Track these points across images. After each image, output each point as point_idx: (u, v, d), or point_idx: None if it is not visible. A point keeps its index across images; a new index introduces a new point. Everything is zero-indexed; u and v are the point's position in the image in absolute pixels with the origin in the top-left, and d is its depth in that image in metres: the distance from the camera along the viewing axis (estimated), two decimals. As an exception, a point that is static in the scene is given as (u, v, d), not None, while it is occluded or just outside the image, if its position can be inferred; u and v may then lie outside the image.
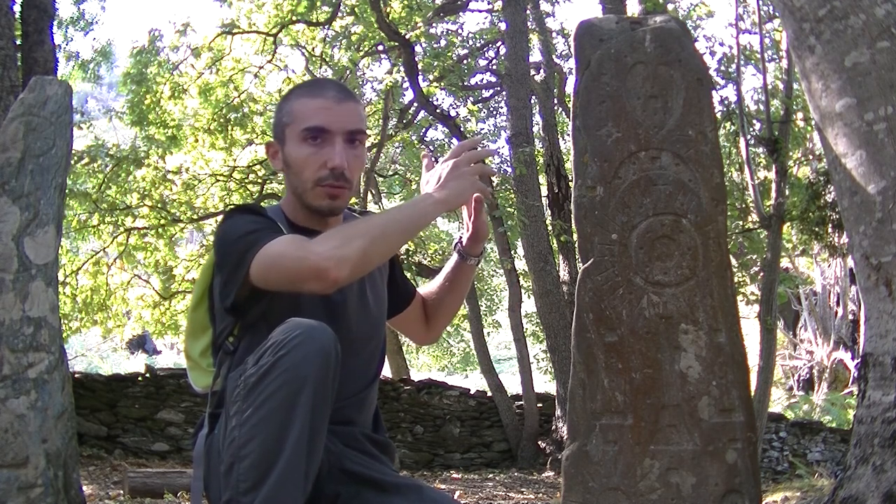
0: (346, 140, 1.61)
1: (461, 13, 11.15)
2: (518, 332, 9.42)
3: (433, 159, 1.72)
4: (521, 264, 10.47)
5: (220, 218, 10.13)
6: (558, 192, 9.17)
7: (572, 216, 2.21)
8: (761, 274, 7.96)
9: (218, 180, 10.36)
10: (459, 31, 11.52)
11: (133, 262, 10.52)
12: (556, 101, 10.18)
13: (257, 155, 10.83)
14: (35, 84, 2.49)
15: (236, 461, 1.33)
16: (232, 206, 1.79)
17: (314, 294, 1.48)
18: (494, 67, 11.44)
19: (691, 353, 2.04)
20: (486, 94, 12.23)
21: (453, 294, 1.85)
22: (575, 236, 2.52)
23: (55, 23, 6.59)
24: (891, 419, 2.09)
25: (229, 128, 10.23)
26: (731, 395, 2.02)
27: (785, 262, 11.87)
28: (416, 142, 11.30)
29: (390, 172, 12.90)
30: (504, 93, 10.18)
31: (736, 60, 7.76)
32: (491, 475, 8.11)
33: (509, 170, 10.37)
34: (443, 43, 10.83)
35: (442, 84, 10.43)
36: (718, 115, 7.79)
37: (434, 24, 10.54)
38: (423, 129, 12.01)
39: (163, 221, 9.94)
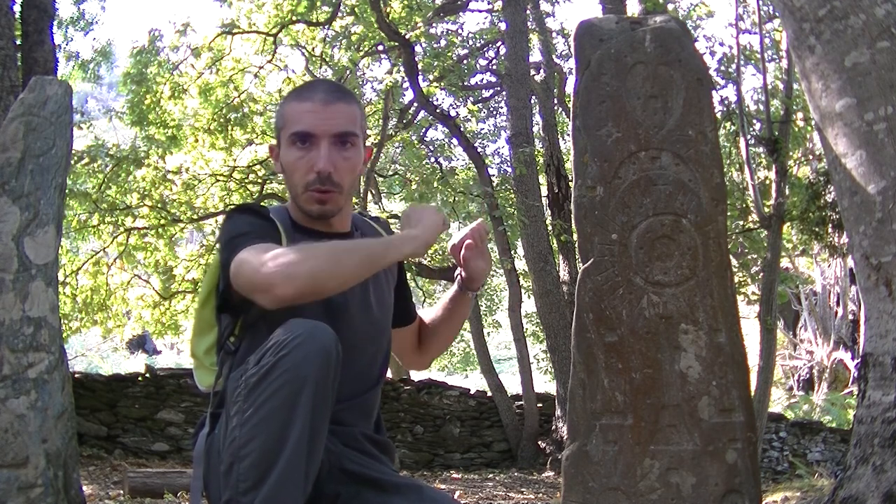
0: (335, 143, 1.60)
1: (461, 13, 11.15)
2: (518, 332, 9.42)
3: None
4: (521, 264, 10.47)
5: (220, 218, 10.17)
6: (558, 192, 9.17)
7: (572, 216, 2.21)
8: (761, 274, 7.96)
9: (218, 180, 10.36)
10: (459, 31, 11.52)
11: (133, 262, 10.52)
12: (556, 101, 10.18)
13: (257, 155, 10.83)
14: (35, 84, 2.49)
15: (236, 461, 1.33)
16: (233, 206, 1.78)
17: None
18: (494, 67, 11.44)
19: (691, 353, 2.04)
20: (486, 94, 12.23)
21: (449, 323, 1.85)
22: (575, 236, 2.52)
23: (55, 23, 6.59)
24: (891, 419, 2.09)
25: (229, 128, 10.23)
26: (731, 395, 2.02)
27: (785, 262, 11.87)
28: (416, 142, 11.30)
29: (390, 172, 12.90)
30: (504, 93, 10.18)
31: (736, 60, 7.76)
32: (491, 475, 8.11)
33: (509, 170, 10.38)
34: (443, 43, 10.83)
35: (442, 84, 10.43)
36: (718, 115, 7.79)
37: (434, 24, 10.54)
38: (423, 129, 12.00)
39: (163, 221, 9.94)
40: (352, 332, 1.58)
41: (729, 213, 3.51)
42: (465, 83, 11.25)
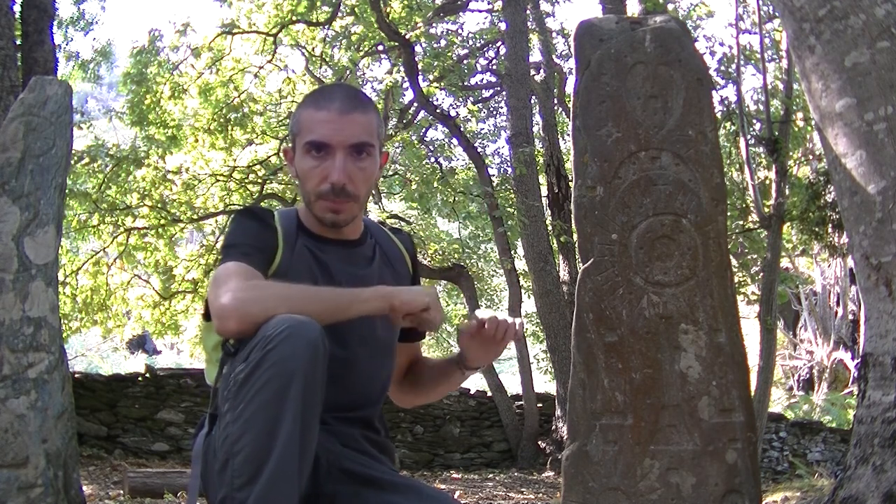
0: (350, 153, 1.59)
1: (461, 13, 11.15)
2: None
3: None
4: (521, 264, 10.46)
5: (220, 218, 10.18)
6: (558, 192, 9.17)
7: (572, 216, 2.21)
8: (761, 274, 7.95)
9: (218, 180, 10.35)
10: (459, 31, 11.51)
11: (133, 262, 10.51)
12: (556, 101, 10.18)
13: (257, 155, 10.82)
14: (35, 84, 2.49)
15: (230, 457, 1.33)
16: (240, 209, 1.78)
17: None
18: (494, 67, 11.44)
19: (691, 353, 2.04)
20: (486, 94, 12.22)
21: (435, 388, 1.80)
22: (575, 236, 2.52)
23: (55, 23, 6.59)
24: (891, 419, 2.09)
25: (229, 128, 10.22)
26: (731, 395, 2.02)
27: (785, 262, 11.87)
28: (416, 142, 11.30)
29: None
30: (504, 93, 10.18)
31: (736, 60, 7.76)
32: (491, 475, 8.11)
33: (509, 170, 10.37)
34: (443, 43, 10.83)
35: (442, 84, 10.43)
36: (718, 115, 7.78)
37: (434, 24, 10.54)
38: (423, 129, 12.00)
39: (163, 221, 9.93)
40: (351, 340, 1.57)
41: (729, 213, 3.51)
42: (465, 83, 11.25)
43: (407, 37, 9.28)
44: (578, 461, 2.05)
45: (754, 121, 8.38)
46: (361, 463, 1.56)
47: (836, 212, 6.06)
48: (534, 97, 9.49)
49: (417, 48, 9.83)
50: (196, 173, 10.19)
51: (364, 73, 11.46)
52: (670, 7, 9.41)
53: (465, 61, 10.99)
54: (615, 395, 2.04)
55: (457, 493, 6.05)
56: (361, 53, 10.32)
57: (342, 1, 9.86)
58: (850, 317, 13.07)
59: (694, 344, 2.04)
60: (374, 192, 12.00)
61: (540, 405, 9.15)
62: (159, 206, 9.90)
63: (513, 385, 10.73)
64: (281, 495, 1.30)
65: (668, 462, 2.01)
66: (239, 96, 10.37)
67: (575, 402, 2.07)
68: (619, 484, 2.02)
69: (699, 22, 10.43)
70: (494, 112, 12.51)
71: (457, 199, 10.53)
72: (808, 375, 13.66)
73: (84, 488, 2.76)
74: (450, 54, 10.53)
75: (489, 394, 9.25)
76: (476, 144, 10.81)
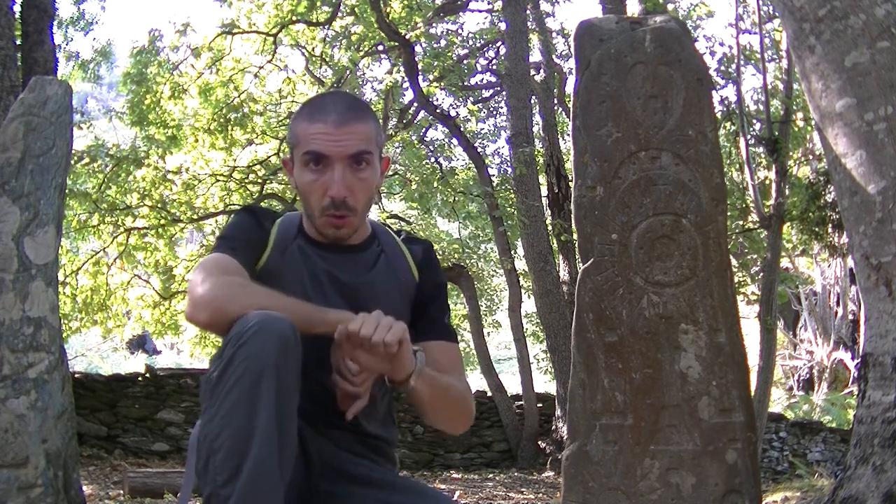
0: (349, 164, 1.57)
1: (461, 13, 11.15)
2: (518, 332, 9.42)
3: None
4: (521, 264, 10.46)
5: (220, 218, 10.17)
6: (558, 192, 9.17)
7: (572, 216, 2.21)
8: (761, 274, 7.96)
9: (218, 180, 10.35)
10: (459, 31, 11.51)
11: (133, 262, 10.52)
12: (556, 101, 10.17)
13: (257, 155, 10.83)
14: (35, 84, 2.49)
15: (211, 455, 1.34)
16: (242, 206, 1.79)
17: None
18: (494, 67, 11.44)
19: (691, 353, 2.04)
20: (486, 94, 12.22)
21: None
22: (575, 236, 2.52)
23: (55, 23, 6.59)
24: (891, 419, 2.08)
25: (229, 128, 10.22)
26: (731, 395, 2.02)
27: (785, 262, 11.87)
28: (416, 142, 11.30)
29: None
30: (504, 93, 10.18)
31: (736, 60, 7.76)
32: (491, 475, 8.11)
33: (509, 170, 10.37)
34: (443, 43, 10.83)
35: (442, 84, 10.43)
36: (718, 115, 7.78)
37: (434, 24, 10.54)
38: (423, 129, 12.00)
39: (163, 221, 9.93)
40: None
41: (729, 213, 3.51)
42: (465, 83, 11.25)
43: (407, 37, 9.28)
44: (578, 461, 2.05)
45: (754, 121, 8.38)
46: (357, 463, 1.57)
47: (836, 212, 6.06)
48: (534, 97, 9.49)
49: (417, 48, 9.83)
50: (196, 173, 10.19)
51: (364, 73, 11.46)
52: (670, 7, 9.41)
53: (465, 61, 10.99)
54: (615, 395, 2.04)
55: (457, 493, 6.04)
56: (361, 53, 10.32)
57: (342, 1, 9.86)
58: (850, 317, 13.07)
59: (694, 344, 2.04)
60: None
61: (540, 405, 9.15)
62: (159, 206, 9.90)
63: (513, 385, 10.73)
64: (263, 488, 1.30)
65: (668, 462, 2.01)
66: (239, 96, 10.37)
67: (575, 402, 2.07)
68: (619, 484, 2.02)
69: (699, 22, 10.43)
70: (494, 112, 12.51)
71: (457, 199, 10.53)
72: (808, 375, 13.66)
73: (84, 488, 2.76)
74: (450, 54, 10.53)
75: (489, 394, 9.25)
76: (476, 144, 10.80)
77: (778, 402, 12.42)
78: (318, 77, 10.98)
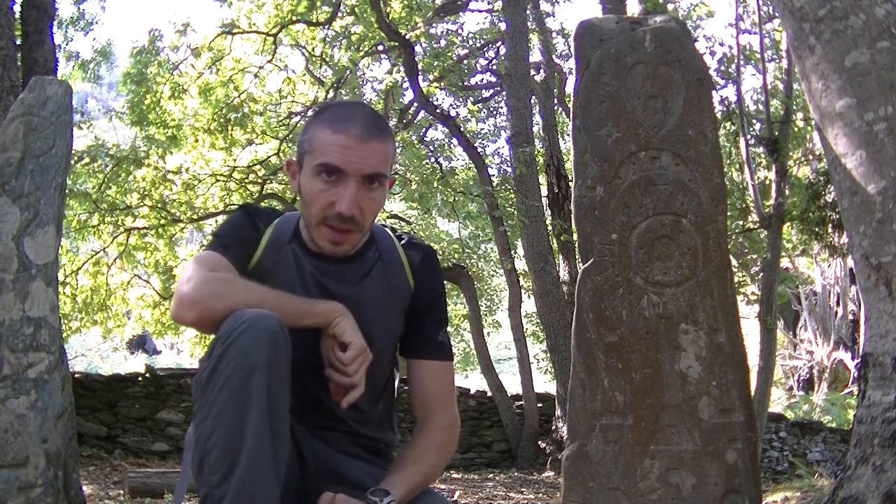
0: (363, 182, 1.53)
1: (461, 13, 11.15)
2: (518, 332, 9.42)
3: None
4: (521, 264, 10.47)
5: (220, 218, 10.17)
6: (558, 192, 9.18)
7: (572, 216, 2.21)
8: (761, 274, 7.96)
9: (218, 180, 10.36)
10: (459, 31, 11.52)
11: (133, 262, 10.52)
12: (556, 101, 10.18)
13: (257, 155, 10.83)
14: (35, 84, 2.49)
15: (205, 455, 1.34)
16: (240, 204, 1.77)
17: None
18: (494, 67, 11.44)
19: (691, 353, 2.04)
20: (486, 94, 12.23)
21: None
22: (575, 236, 2.51)
23: (55, 23, 6.59)
24: (891, 419, 2.08)
25: (229, 128, 10.23)
26: (731, 395, 2.02)
27: (785, 262, 11.87)
28: (416, 142, 11.30)
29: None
30: (504, 93, 10.18)
31: (736, 60, 7.76)
32: (491, 475, 8.11)
33: (509, 170, 10.37)
34: (443, 43, 10.83)
35: (442, 84, 10.43)
36: (718, 115, 7.78)
37: (434, 24, 10.54)
38: (423, 129, 12.00)
39: (163, 221, 9.94)
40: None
41: (729, 213, 3.51)
42: (465, 83, 11.25)
43: (407, 37, 9.28)
44: (578, 461, 2.05)
45: (754, 121, 8.38)
46: (351, 464, 1.57)
47: (836, 212, 6.06)
48: (534, 97, 9.49)
49: (417, 48, 9.83)
50: (196, 173, 10.19)
51: (364, 73, 11.47)
52: (670, 7, 9.41)
53: (465, 61, 10.99)
54: (615, 395, 2.04)
55: (457, 494, 6.04)
56: (361, 53, 10.32)
57: (342, 1, 9.86)
58: (850, 317, 13.07)
59: (694, 344, 2.04)
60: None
61: (540, 405, 9.15)
62: (159, 206, 9.91)
63: (513, 385, 10.74)
64: (257, 486, 1.30)
65: (668, 462, 2.01)
66: (239, 96, 10.38)
67: (575, 402, 2.07)
68: (619, 484, 2.02)
69: (699, 22, 10.44)
70: (494, 112, 12.52)
71: (457, 199, 10.53)
72: (808, 375, 13.67)
73: (84, 488, 2.76)
74: (450, 54, 10.54)
75: (489, 394, 9.25)
76: (476, 144, 10.81)
77: (778, 402, 12.42)
78: (318, 77, 10.98)
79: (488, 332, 12.67)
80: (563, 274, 9.02)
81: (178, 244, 11.44)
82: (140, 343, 17.75)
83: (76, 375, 7.54)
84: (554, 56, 10.45)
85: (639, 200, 2.09)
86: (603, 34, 2.18)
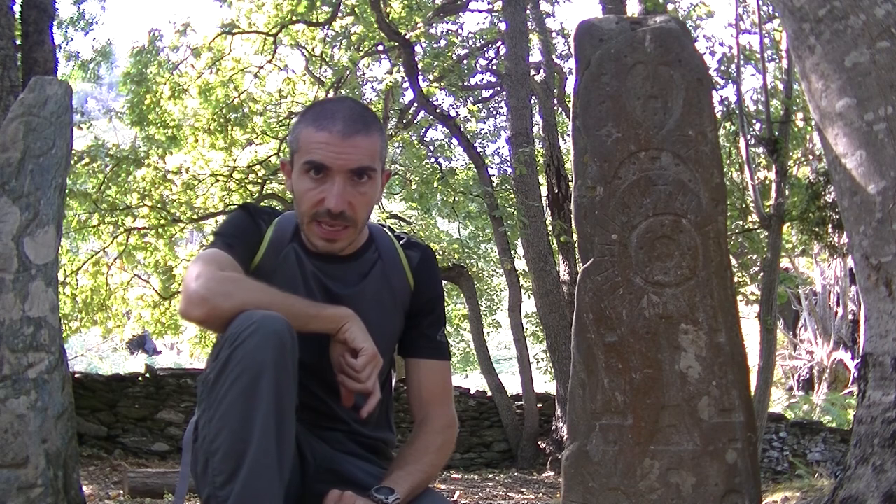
0: (350, 177, 1.53)
1: (461, 13, 11.15)
2: (518, 332, 9.42)
3: None
4: (521, 264, 10.47)
5: (220, 218, 10.18)
6: (558, 192, 9.18)
7: (572, 216, 2.21)
8: (761, 274, 7.96)
9: (218, 180, 10.36)
10: (459, 31, 11.52)
11: (133, 262, 10.53)
12: (556, 101, 10.18)
13: (257, 155, 10.84)
14: (35, 84, 2.49)
15: (209, 456, 1.33)
16: (239, 204, 1.76)
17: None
18: (494, 67, 11.44)
19: (691, 353, 2.04)
20: (486, 94, 12.23)
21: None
22: (575, 236, 2.51)
23: (55, 23, 6.59)
24: (891, 419, 2.08)
25: (229, 128, 10.23)
26: (731, 395, 2.02)
27: (785, 262, 11.87)
28: (416, 142, 11.30)
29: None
30: (504, 93, 10.18)
31: (736, 60, 7.76)
32: (491, 475, 8.11)
33: (509, 170, 10.37)
34: (443, 43, 10.83)
35: (442, 84, 10.43)
36: (718, 115, 7.78)
37: (434, 24, 10.54)
38: (423, 129, 12.00)
39: (163, 221, 9.94)
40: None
41: (729, 213, 3.51)
42: (465, 83, 11.25)
43: (407, 37, 9.28)
44: (578, 461, 2.05)
45: (754, 121, 8.38)
46: (351, 464, 1.57)
47: (836, 212, 6.06)
48: (534, 97, 9.49)
49: (417, 48, 9.83)
50: (196, 173, 10.20)
51: (364, 73, 11.47)
52: (670, 7, 9.42)
53: (465, 61, 10.99)
54: (615, 395, 2.04)
55: (457, 494, 6.04)
56: (361, 53, 10.32)
57: (342, 1, 9.86)
58: (850, 317, 13.07)
59: (694, 344, 2.04)
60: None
61: (540, 405, 9.15)
62: (159, 206, 9.91)
63: (513, 385, 10.74)
64: (261, 489, 1.30)
65: (668, 462, 2.01)
66: (239, 96, 10.38)
67: (575, 402, 2.07)
68: (619, 484, 2.02)
69: (699, 22, 10.44)
70: (494, 112, 12.52)
71: (457, 199, 10.53)
72: (808, 375, 13.67)
73: (84, 488, 2.76)
74: (450, 54, 10.54)
75: (489, 394, 9.25)
76: (476, 144, 10.81)
77: (778, 402, 12.42)
78: (318, 77, 10.99)
79: (488, 332, 12.67)
80: (563, 274, 9.02)
81: (178, 244, 11.44)
82: (140, 343, 17.76)
83: (76, 375, 7.54)
84: (554, 56, 10.45)
85: (639, 200, 2.09)
86: (603, 34, 2.18)
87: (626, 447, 2.02)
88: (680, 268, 2.07)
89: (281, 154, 10.08)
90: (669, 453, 2.01)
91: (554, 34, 10.98)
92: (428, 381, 1.71)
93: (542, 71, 9.91)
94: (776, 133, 7.08)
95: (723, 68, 8.83)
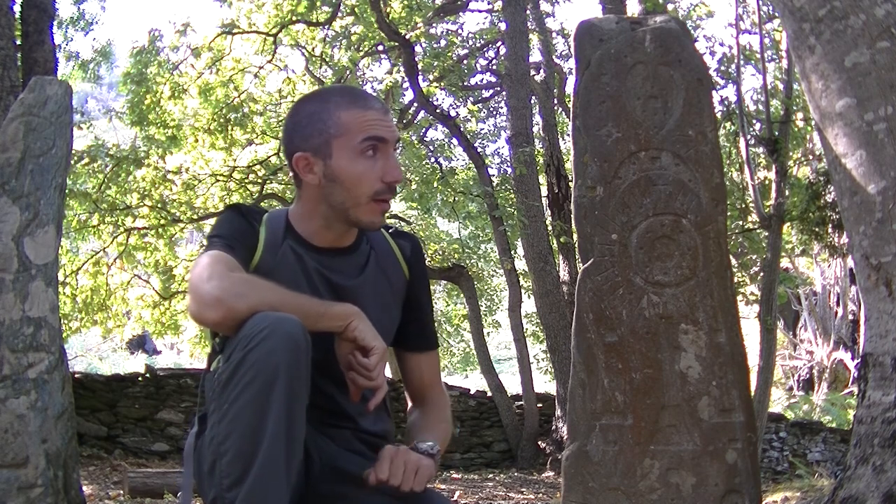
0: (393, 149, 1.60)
1: (461, 13, 11.15)
2: (518, 332, 9.42)
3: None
4: (521, 264, 10.46)
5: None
6: (558, 192, 9.18)
7: (572, 216, 2.21)
8: (761, 274, 7.96)
9: (218, 180, 10.36)
10: (459, 31, 11.52)
11: (133, 262, 10.52)
12: (556, 101, 10.18)
13: (257, 155, 10.83)
14: (35, 84, 2.49)
15: (218, 458, 1.33)
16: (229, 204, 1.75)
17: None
18: (494, 67, 11.44)
19: (691, 353, 2.04)
20: (486, 94, 12.23)
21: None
22: (575, 236, 2.52)
23: (55, 23, 6.59)
24: (891, 419, 2.08)
25: (229, 128, 10.23)
26: (731, 395, 2.02)
27: (785, 262, 11.87)
28: (416, 142, 11.30)
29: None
30: (504, 93, 10.18)
31: (736, 60, 7.76)
32: (491, 475, 8.11)
33: (509, 170, 10.37)
34: (443, 43, 10.83)
35: (442, 84, 10.43)
36: (718, 115, 7.78)
37: (434, 24, 10.54)
38: (423, 129, 12.00)
39: (163, 221, 9.94)
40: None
41: (729, 213, 3.51)
42: (465, 83, 11.25)
43: (407, 37, 9.28)
44: (578, 461, 2.05)
45: (754, 121, 8.38)
46: (355, 462, 1.56)
47: (836, 212, 6.06)
48: (534, 97, 9.49)
49: (417, 48, 9.83)
50: (196, 173, 10.19)
51: (364, 73, 11.47)
52: (670, 7, 9.42)
53: (465, 61, 10.99)
54: (615, 395, 2.04)
55: (457, 494, 6.04)
56: (361, 53, 10.32)
57: (342, 1, 9.86)
58: (850, 317, 13.07)
59: (694, 344, 2.04)
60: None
61: (540, 405, 9.15)
62: (159, 206, 9.91)
63: (513, 385, 10.73)
64: (269, 493, 1.30)
65: (668, 462, 2.01)
66: (239, 96, 10.38)
67: (575, 402, 2.07)
68: (619, 484, 2.02)
69: (699, 22, 10.43)
70: (494, 112, 12.52)
71: (457, 199, 10.53)
72: (808, 375, 13.67)
73: (84, 488, 2.76)
74: (450, 54, 10.54)
75: (489, 394, 9.25)
76: (476, 144, 10.81)
77: (778, 402, 12.42)
78: (318, 77, 10.98)
79: (488, 332, 12.66)
80: (563, 274, 9.02)
81: (178, 244, 11.44)
82: (140, 343, 17.76)
83: (76, 375, 7.53)
84: (554, 56, 10.45)
85: (639, 200, 2.10)
86: (603, 34, 2.18)
87: (626, 447, 2.02)
88: (680, 268, 2.07)
89: (281, 154, 10.07)
90: (669, 453, 2.01)
91: (554, 34, 10.98)
92: (427, 369, 1.75)
93: (542, 71, 9.91)
94: (776, 133, 7.08)
95: (723, 68, 8.83)
